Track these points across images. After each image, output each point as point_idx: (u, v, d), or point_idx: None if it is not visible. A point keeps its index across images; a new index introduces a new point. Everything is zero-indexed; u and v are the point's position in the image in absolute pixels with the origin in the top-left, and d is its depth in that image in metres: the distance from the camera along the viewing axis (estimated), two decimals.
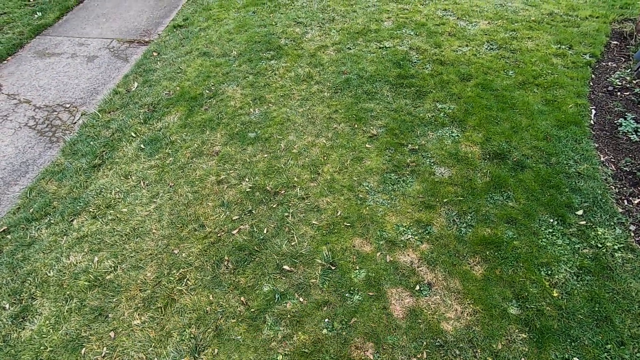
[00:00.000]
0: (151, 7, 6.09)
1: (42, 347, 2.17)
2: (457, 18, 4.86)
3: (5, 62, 4.88)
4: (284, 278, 2.40)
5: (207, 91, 4.01)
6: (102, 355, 2.12)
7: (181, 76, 4.30)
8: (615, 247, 2.44)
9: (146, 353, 2.11)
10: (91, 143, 3.60)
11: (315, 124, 3.48)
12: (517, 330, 2.10)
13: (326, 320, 2.19)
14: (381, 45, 4.40)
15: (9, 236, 2.87)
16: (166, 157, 3.33)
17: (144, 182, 3.13)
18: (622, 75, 3.88)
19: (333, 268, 2.42)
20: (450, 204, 2.75)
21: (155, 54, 4.84)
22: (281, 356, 2.06)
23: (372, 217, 2.69)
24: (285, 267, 2.45)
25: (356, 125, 3.42)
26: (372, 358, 2.03)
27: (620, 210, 2.68)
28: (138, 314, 2.28)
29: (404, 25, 4.72)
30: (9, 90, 4.42)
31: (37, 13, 5.73)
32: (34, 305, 2.39)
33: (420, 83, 3.82)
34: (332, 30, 4.74)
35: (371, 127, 3.39)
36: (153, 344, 2.14)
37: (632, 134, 3.24)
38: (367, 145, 3.23)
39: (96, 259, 2.61)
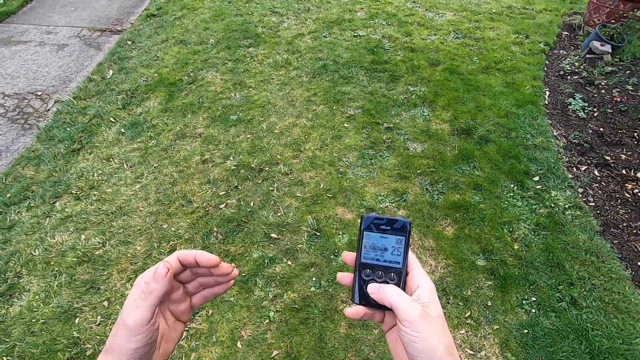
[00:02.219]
0: None
1: (33, 320, 2.19)
2: (425, 10, 5.16)
3: None
4: (272, 245, 2.54)
5: (186, 77, 4.05)
6: (97, 323, 2.17)
7: (158, 63, 4.30)
8: (566, 206, 2.76)
9: None
10: (68, 129, 3.56)
11: (295, 106, 3.62)
12: (484, 279, 2.36)
13: (313, 279, 2.35)
14: (355, 34, 4.60)
15: None
16: (148, 140, 3.36)
17: (127, 164, 3.15)
18: (571, 62, 4.29)
19: (318, 234, 2.59)
20: (423, 174, 2.99)
21: (129, 42, 4.79)
22: (273, 313, 2.20)
23: (353, 188, 2.88)
24: (273, 235, 2.59)
25: (334, 107, 3.59)
26: None
27: (570, 175, 3.02)
28: (130, 285, 2.34)
29: (376, 16, 4.95)
30: None
31: None
32: (21, 283, 2.39)
33: (393, 68, 4.06)
34: (308, 20, 4.89)
35: (349, 108, 3.58)
36: None
37: (580, 112, 3.62)
38: (345, 125, 3.41)
39: (83, 237, 2.63)
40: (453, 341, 0.47)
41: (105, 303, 2.25)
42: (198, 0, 5.46)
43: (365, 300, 0.53)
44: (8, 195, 2.98)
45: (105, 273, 2.41)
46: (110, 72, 4.31)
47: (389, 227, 0.54)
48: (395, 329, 0.48)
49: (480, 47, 4.42)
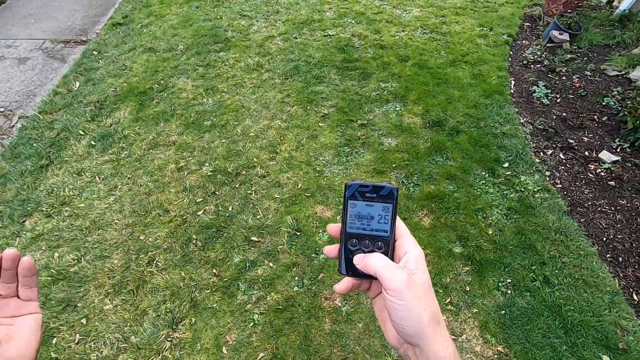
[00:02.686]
0: (85, 6, 5.82)
1: None
2: (393, 7, 5.25)
3: None
4: (253, 248, 2.53)
5: (156, 85, 3.98)
6: (76, 342, 2.11)
7: (127, 72, 4.21)
8: (535, 189, 2.88)
9: (122, 332, 2.14)
10: (35, 145, 3.44)
11: (269, 108, 3.62)
12: (461, 265, 2.43)
13: (296, 279, 2.36)
14: (325, 34, 4.64)
15: None
16: (120, 151, 3.28)
17: (99, 177, 3.07)
18: (534, 51, 4.46)
19: (298, 234, 2.60)
20: (399, 168, 3.05)
21: (95, 52, 4.66)
22: (257, 315, 2.19)
23: (330, 186, 2.91)
24: (253, 238, 2.58)
25: (308, 107, 3.62)
26: (340, 305, 2.24)
27: (537, 160, 3.15)
28: (109, 300, 2.29)
29: (345, 15, 5.01)
30: None
31: None
32: None
33: (364, 66, 4.12)
34: (278, 22, 4.89)
35: (322, 108, 3.61)
36: (129, 324, 2.17)
37: (544, 98, 3.78)
38: (320, 124, 3.44)
39: (56, 254, 2.54)
40: (439, 308, 0.46)
41: (84, 320, 2.20)
42: (165, 7, 5.38)
43: (352, 270, 0.51)
44: None
45: (82, 290, 2.35)
46: (77, 83, 4.19)
47: (375, 195, 0.50)
48: (382, 296, 0.47)
49: (447, 41, 4.53)
